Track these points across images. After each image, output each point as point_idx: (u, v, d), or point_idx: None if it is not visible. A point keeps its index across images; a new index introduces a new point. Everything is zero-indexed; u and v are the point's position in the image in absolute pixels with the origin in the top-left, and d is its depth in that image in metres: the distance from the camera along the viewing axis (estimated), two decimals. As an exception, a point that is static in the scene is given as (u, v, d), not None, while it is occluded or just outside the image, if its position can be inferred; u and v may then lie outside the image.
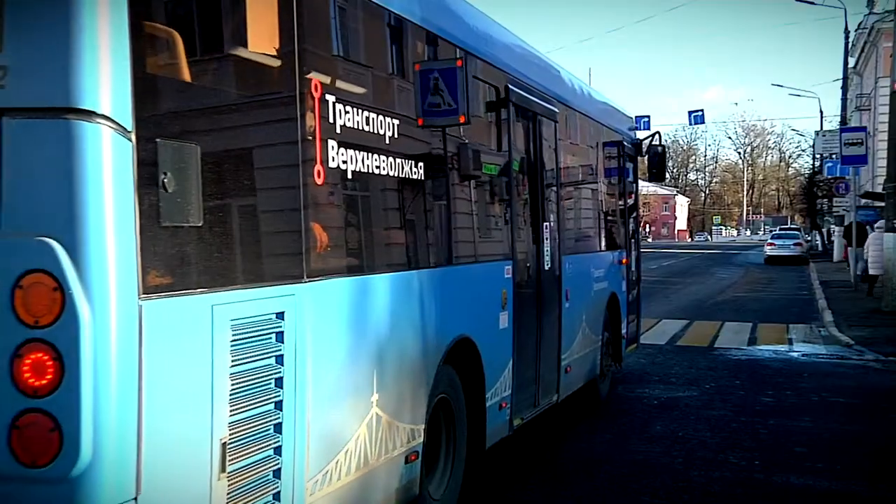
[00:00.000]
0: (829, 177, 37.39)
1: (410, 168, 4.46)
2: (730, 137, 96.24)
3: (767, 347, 12.52)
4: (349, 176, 3.87)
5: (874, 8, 45.03)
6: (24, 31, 2.53)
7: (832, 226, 42.67)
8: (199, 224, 2.87)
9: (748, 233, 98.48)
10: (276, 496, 3.24)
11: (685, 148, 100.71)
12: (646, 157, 10.19)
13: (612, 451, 6.60)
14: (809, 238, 50.81)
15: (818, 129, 47.46)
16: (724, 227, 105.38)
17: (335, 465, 3.67)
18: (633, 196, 10.07)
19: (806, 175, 59.84)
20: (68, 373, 2.46)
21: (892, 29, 18.02)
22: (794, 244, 39.67)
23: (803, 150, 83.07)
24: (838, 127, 37.26)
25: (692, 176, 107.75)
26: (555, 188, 6.95)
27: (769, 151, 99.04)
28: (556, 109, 6.89)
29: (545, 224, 6.50)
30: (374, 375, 4.00)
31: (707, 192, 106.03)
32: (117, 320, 2.53)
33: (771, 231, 56.14)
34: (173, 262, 2.79)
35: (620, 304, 8.97)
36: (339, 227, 3.89)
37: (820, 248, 47.48)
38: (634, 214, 10.27)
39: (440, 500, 4.87)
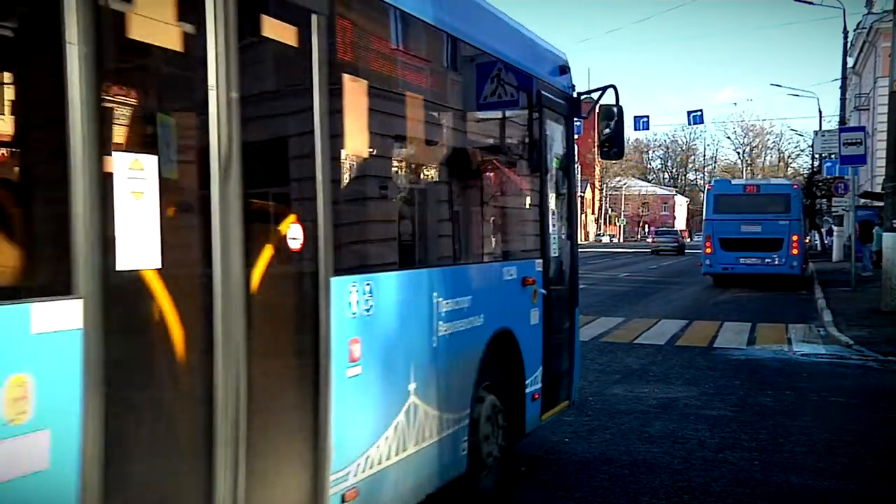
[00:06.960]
0: (828, 177, 37.41)
1: None
2: (729, 137, 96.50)
3: (767, 347, 12.52)
4: None
5: (873, 8, 45.06)
6: None
7: (832, 225, 42.69)
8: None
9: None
10: None
11: (684, 148, 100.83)
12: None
13: (612, 451, 6.60)
14: (808, 238, 50.79)
15: (817, 128, 47.47)
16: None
17: None
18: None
19: (805, 175, 59.87)
20: None
21: (891, 29, 18.02)
22: None
23: (802, 150, 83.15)
24: (837, 127, 37.26)
25: (691, 176, 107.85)
26: None
27: (768, 151, 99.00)
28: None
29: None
30: None
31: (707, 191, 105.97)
32: None
33: (770, 231, 56.17)
34: None
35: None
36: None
37: (819, 247, 47.49)
38: None
39: None
